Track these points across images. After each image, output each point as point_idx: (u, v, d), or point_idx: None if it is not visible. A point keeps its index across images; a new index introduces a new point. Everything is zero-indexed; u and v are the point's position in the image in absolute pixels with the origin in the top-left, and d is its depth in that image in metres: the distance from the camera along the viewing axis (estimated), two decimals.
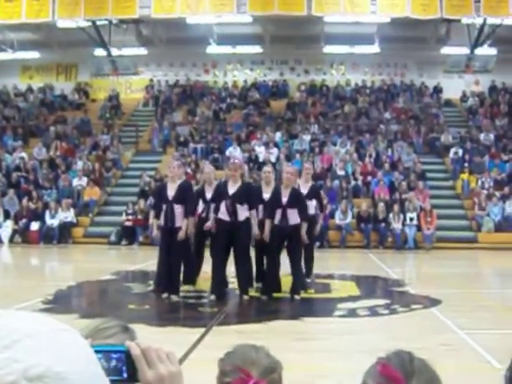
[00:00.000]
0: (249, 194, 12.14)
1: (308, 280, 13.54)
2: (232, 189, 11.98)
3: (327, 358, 7.78)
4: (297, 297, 11.78)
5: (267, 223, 11.90)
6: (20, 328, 0.98)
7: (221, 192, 12.19)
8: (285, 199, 11.89)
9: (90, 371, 1.03)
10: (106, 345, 1.37)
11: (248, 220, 11.92)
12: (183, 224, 11.89)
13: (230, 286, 12.82)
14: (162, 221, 12.08)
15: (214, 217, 12.14)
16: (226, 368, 2.23)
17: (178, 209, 11.92)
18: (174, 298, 11.85)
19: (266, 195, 12.49)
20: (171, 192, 11.99)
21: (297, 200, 12.06)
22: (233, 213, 11.85)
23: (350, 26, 29.66)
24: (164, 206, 12.00)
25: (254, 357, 2.26)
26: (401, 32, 29.69)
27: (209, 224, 12.22)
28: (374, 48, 31.59)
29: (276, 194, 12.12)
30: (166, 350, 1.38)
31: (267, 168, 13.99)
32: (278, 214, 11.89)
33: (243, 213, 11.89)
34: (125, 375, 1.32)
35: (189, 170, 23.55)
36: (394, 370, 1.64)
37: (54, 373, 0.95)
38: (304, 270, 13.29)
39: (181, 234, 11.82)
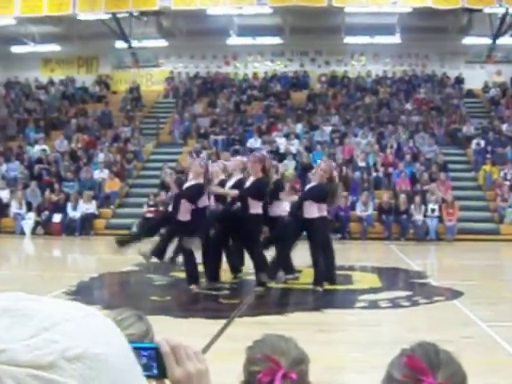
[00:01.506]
0: (259, 189, 12.15)
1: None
2: (248, 183, 12.07)
3: (349, 349, 7.78)
4: (319, 288, 11.79)
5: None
6: (57, 312, 1.01)
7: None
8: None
9: (125, 355, 1.06)
10: (137, 342, 1.38)
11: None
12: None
13: (253, 277, 12.85)
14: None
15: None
16: (255, 356, 2.24)
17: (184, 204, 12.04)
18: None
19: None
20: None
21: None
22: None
23: (371, 16, 29.54)
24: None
25: (284, 347, 2.28)
26: (422, 22, 29.53)
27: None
28: (395, 38, 31.43)
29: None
30: (194, 348, 1.39)
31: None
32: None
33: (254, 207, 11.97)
34: (155, 371, 1.33)
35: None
36: (420, 362, 1.64)
37: (92, 354, 0.97)
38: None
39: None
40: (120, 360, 1.03)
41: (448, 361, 1.70)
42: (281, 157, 24.60)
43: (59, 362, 0.94)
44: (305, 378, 2.27)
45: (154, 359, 1.33)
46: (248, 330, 8.43)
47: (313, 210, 11.88)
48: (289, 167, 23.80)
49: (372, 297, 11.08)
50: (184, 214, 11.90)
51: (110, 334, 1.05)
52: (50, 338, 0.96)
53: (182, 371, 1.33)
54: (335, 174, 12.85)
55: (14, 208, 24.18)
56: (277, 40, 32.50)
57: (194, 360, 1.36)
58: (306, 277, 13.08)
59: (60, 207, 24.06)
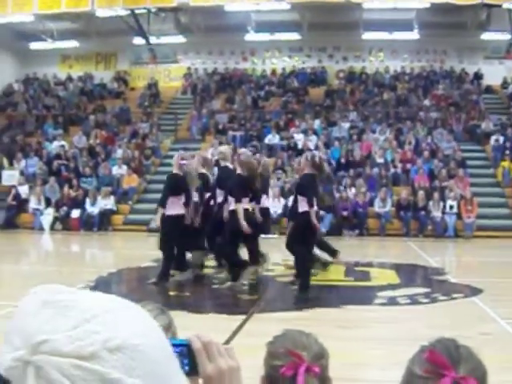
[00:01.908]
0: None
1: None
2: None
3: (368, 346, 7.77)
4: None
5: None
6: (96, 304, 1.04)
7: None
8: None
9: (162, 347, 1.08)
10: (169, 338, 1.39)
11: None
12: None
13: (270, 273, 12.88)
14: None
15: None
16: (277, 351, 2.25)
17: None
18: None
19: None
20: None
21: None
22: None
23: (389, 12, 29.44)
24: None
25: (305, 342, 2.29)
26: (440, 18, 29.40)
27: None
28: (413, 34, 31.32)
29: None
30: (226, 345, 1.39)
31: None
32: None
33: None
34: (186, 368, 1.34)
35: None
36: (442, 357, 1.64)
37: (132, 345, 1.00)
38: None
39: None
40: (158, 351, 1.05)
41: (468, 355, 1.70)
42: (298, 153, 24.55)
43: (101, 353, 0.97)
44: (325, 372, 2.28)
45: (185, 356, 1.34)
46: (267, 326, 8.44)
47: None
48: None
49: (391, 293, 11.06)
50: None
51: (147, 326, 1.08)
52: (91, 329, 0.99)
53: (214, 368, 1.34)
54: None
55: (32, 204, 24.32)
56: (295, 36, 32.47)
57: (225, 356, 1.37)
58: (324, 273, 13.09)
59: (78, 203, 24.17)
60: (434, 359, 1.63)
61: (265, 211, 13.04)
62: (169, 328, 2.61)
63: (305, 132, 27.36)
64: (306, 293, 11.14)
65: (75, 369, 0.96)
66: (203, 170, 13.52)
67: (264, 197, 13.15)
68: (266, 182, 13.67)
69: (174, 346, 1.33)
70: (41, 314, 1.01)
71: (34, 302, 1.04)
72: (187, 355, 1.33)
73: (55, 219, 24.03)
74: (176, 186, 12.40)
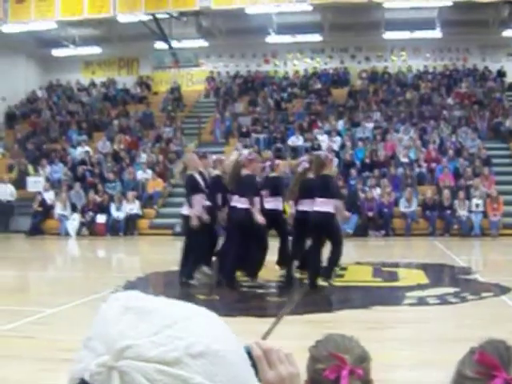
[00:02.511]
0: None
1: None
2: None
3: (399, 346, 7.76)
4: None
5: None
6: (176, 311, 1.06)
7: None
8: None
9: (239, 352, 1.12)
10: None
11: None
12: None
13: (298, 275, 12.89)
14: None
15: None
16: (319, 355, 2.26)
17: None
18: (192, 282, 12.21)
19: None
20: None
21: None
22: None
23: (411, 11, 29.35)
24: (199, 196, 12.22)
25: (348, 345, 2.30)
26: (462, 16, 29.29)
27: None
28: (436, 33, 31.18)
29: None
30: (285, 351, 1.40)
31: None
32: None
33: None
34: None
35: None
36: (492, 358, 1.64)
37: (214, 350, 1.02)
38: None
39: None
40: (237, 357, 1.08)
41: None
42: None
43: (184, 358, 0.99)
44: (368, 375, 2.29)
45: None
46: (297, 328, 8.46)
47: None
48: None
49: (420, 293, 11.02)
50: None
51: (225, 332, 1.10)
52: (173, 335, 1.01)
53: (275, 375, 1.34)
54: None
55: (58, 209, 24.45)
56: (316, 37, 32.43)
57: (285, 363, 1.36)
58: (352, 274, 13.09)
59: (104, 208, 24.29)
60: (484, 360, 1.63)
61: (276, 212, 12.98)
62: None
63: (328, 133, 27.33)
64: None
65: (159, 374, 0.98)
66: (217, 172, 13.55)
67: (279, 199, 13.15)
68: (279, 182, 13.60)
69: None
70: (123, 320, 1.03)
71: (115, 308, 1.06)
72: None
73: (81, 225, 24.15)
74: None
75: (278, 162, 14.72)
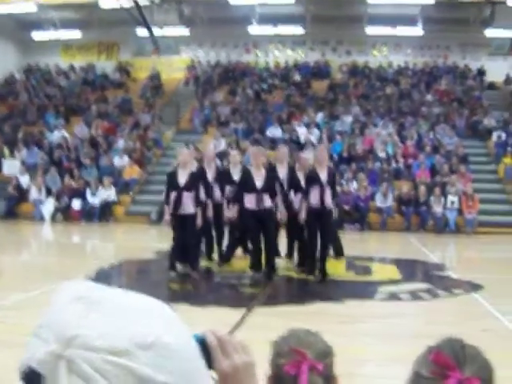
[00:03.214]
0: (273, 184, 12.29)
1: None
2: (258, 179, 12.07)
3: (368, 341, 7.77)
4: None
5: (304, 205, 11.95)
6: (127, 302, 1.06)
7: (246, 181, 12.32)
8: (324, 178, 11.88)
9: (191, 345, 1.11)
10: None
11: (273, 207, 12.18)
12: (197, 211, 12.15)
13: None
14: (171, 208, 12.14)
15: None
16: (281, 350, 2.25)
17: (188, 196, 12.00)
18: (194, 274, 12.08)
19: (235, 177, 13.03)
20: (182, 179, 12.06)
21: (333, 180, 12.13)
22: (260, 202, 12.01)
23: (393, 7, 29.49)
24: (173, 194, 12.07)
25: (310, 340, 2.28)
26: (444, 13, 29.45)
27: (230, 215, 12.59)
28: (417, 29, 31.32)
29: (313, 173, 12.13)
30: (239, 340, 1.39)
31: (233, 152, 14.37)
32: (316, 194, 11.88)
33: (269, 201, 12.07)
34: None
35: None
36: (447, 358, 1.63)
37: (163, 343, 1.02)
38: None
39: (198, 222, 12.15)
40: (188, 350, 1.08)
41: (474, 356, 1.69)
42: (300, 146, 24.53)
43: (133, 349, 0.99)
44: (330, 371, 2.27)
45: (200, 351, 1.32)
46: (268, 320, 8.45)
47: None
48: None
49: (392, 288, 11.05)
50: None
51: (176, 324, 1.09)
52: (123, 326, 1.01)
53: (229, 364, 1.33)
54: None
55: (33, 194, 24.29)
56: (298, 29, 32.45)
57: (240, 352, 1.36)
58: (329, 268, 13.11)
59: (80, 193, 24.14)
60: (439, 360, 1.63)
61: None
62: None
63: (307, 125, 27.33)
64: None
65: (106, 364, 0.97)
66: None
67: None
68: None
69: None
70: (73, 309, 1.03)
71: (66, 297, 1.06)
72: (202, 351, 1.31)
73: (56, 210, 24.00)
74: None
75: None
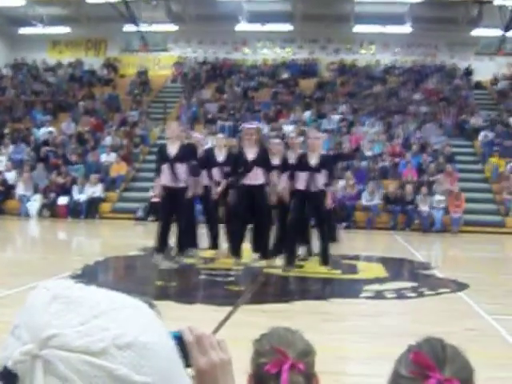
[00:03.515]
0: (266, 159, 12.31)
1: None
2: (250, 154, 12.10)
3: (353, 339, 7.77)
4: (327, 267, 11.88)
5: (289, 186, 12.03)
6: (105, 301, 1.05)
7: (238, 158, 12.35)
8: (314, 163, 11.90)
9: (169, 344, 1.10)
10: None
11: (265, 185, 12.15)
12: (188, 184, 12.29)
13: (257, 264, 12.89)
14: (164, 181, 12.19)
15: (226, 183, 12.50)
16: (262, 349, 2.25)
17: (181, 168, 12.02)
18: (181, 258, 12.13)
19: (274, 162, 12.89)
20: (173, 151, 12.07)
21: (324, 165, 12.11)
22: (253, 177, 12.02)
23: (382, 5, 29.56)
24: (166, 166, 12.08)
25: (290, 339, 2.29)
26: (432, 12, 29.52)
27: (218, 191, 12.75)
28: (405, 28, 31.40)
29: (303, 158, 12.15)
30: (218, 337, 1.38)
31: (275, 140, 14.62)
32: (303, 178, 11.91)
33: (261, 177, 12.08)
34: None
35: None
36: (427, 358, 1.63)
37: (141, 343, 1.01)
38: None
39: (189, 194, 12.30)
40: (165, 350, 1.07)
41: (455, 356, 1.69)
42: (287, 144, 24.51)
43: (110, 349, 0.98)
44: (311, 369, 2.28)
45: (177, 348, 1.32)
46: (253, 317, 8.44)
47: None
48: None
49: (377, 287, 11.06)
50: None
51: (154, 324, 1.09)
52: (100, 325, 1.00)
53: (206, 361, 1.34)
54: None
55: (19, 190, 24.21)
56: (287, 27, 32.46)
57: (217, 349, 1.36)
58: (311, 265, 13.10)
59: (66, 190, 24.09)
60: (419, 360, 1.63)
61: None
62: None
63: (295, 123, 27.34)
64: None
65: (84, 364, 0.97)
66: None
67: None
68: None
69: None
70: (50, 308, 1.02)
71: (42, 296, 1.05)
72: (179, 348, 1.30)
73: (42, 206, 23.93)
74: None
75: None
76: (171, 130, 12.49)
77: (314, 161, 11.91)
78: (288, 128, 26.95)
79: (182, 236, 12.68)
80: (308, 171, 11.87)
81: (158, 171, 12.41)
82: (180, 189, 12.06)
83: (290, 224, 12.31)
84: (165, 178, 12.15)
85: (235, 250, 12.73)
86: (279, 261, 12.71)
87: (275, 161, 12.82)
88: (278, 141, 14.33)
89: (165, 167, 12.10)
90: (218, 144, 14.50)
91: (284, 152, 13.45)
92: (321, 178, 11.93)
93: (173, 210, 12.29)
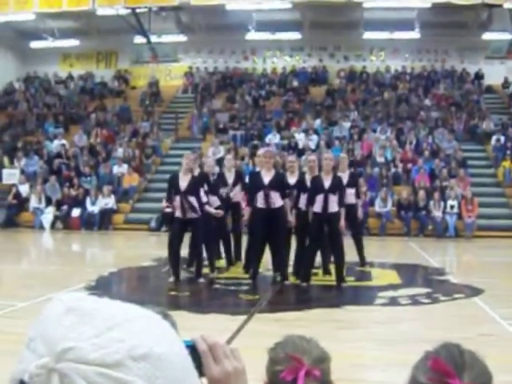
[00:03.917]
0: (282, 183, 12.32)
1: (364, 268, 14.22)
2: (267, 177, 12.10)
3: (369, 347, 7.76)
4: (344, 284, 11.82)
5: (310, 210, 11.96)
6: (119, 313, 1.05)
7: (255, 181, 12.32)
8: (327, 184, 11.87)
9: (183, 355, 1.10)
10: None
11: (283, 207, 12.10)
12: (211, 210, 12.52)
13: (269, 273, 12.87)
14: (176, 213, 12.25)
15: (248, 209, 12.46)
16: (277, 357, 2.25)
17: (191, 200, 12.07)
18: (200, 280, 12.12)
19: (292, 181, 12.87)
20: (183, 184, 12.11)
21: (338, 186, 12.07)
22: (269, 201, 11.99)
23: (390, 11, 29.47)
24: (177, 198, 12.14)
25: (306, 346, 2.29)
26: (441, 17, 29.41)
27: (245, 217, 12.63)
28: (414, 34, 31.30)
29: (318, 180, 12.11)
30: (231, 346, 1.39)
31: (291, 158, 14.28)
32: (319, 200, 11.87)
33: (278, 200, 12.05)
34: None
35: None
36: (446, 364, 1.63)
37: (156, 354, 1.01)
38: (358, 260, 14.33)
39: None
40: (179, 360, 1.07)
41: (473, 361, 1.68)
42: (299, 152, 24.52)
43: (126, 361, 0.98)
44: (327, 376, 2.28)
45: (190, 357, 1.32)
46: (267, 326, 8.44)
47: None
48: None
49: (392, 293, 11.04)
50: None
51: (168, 334, 1.09)
52: (115, 338, 1.00)
53: (220, 370, 1.33)
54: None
55: (33, 202, 24.30)
56: (296, 35, 32.45)
57: (231, 358, 1.36)
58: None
59: (79, 202, 24.16)
60: (438, 367, 1.62)
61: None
62: None
63: (306, 131, 27.32)
64: None
65: (99, 376, 0.97)
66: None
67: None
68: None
69: None
70: (64, 321, 1.02)
71: (57, 309, 1.05)
72: (192, 357, 1.31)
73: (56, 218, 24.00)
74: None
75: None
76: (188, 162, 12.52)
77: (327, 182, 11.92)
78: (299, 136, 26.96)
79: (192, 253, 12.83)
80: (322, 193, 11.88)
81: (168, 200, 12.65)
82: (192, 219, 12.13)
83: (309, 247, 12.29)
84: (177, 210, 12.25)
85: (250, 270, 12.70)
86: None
87: (292, 179, 12.88)
88: (293, 158, 14.34)
89: (177, 199, 12.18)
90: (227, 165, 14.71)
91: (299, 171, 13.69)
92: (334, 200, 11.93)
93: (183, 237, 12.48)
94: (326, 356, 2.32)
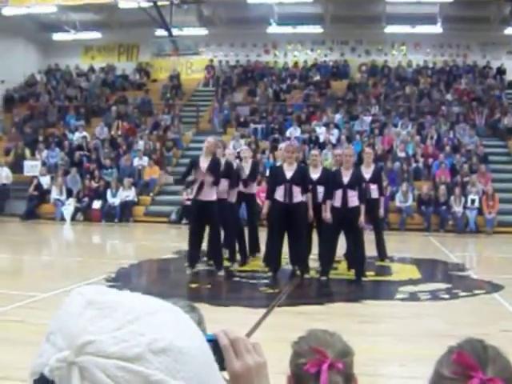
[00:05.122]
0: (304, 177, 12.30)
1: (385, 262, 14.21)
2: (289, 172, 12.09)
3: (389, 341, 7.77)
4: (363, 279, 11.81)
5: (328, 204, 11.93)
6: (139, 306, 1.04)
7: (277, 175, 12.32)
8: (346, 180, 11.86)
9: (204, 348, 1.10)
10: None
11: (303, 202, 12.10)
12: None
13: (289, 267, 12.87)
14: (195, 194, 12.35)
15: (268, 202, 12.40)
16: (301, 350, 2.27)
17: (211, 181, 12.13)
18: (220, 273, 12.13)
19: (315, 176, 12.81)
20: (203, 165, 12.16)
21: (358, 182, 12.06)
22: (290, 196, 11.99)
23: (412, 5, 29.35)
24: (198, 178, 12.23)
25: (329, 340, 2.31)
26: (463, 12, 29.26)
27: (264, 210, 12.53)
28: (437, 28, 31.14)
29: (337, 175, 12.11)
30: (253, 341, 1.39)
31: (315, 152, 14.24)
32: (339, 195, 11.86)
33: (299, 195, 12.05)
34: None
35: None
36: (470, 358, 1.64)
37: (176, 347, 1.01)
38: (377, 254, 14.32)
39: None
40: (201, 353, 1.06)
41: (496, 356, 1.69)
42: (320, 146, 24.49)
43: (146, 355, 0.98)
44: (350, 370, 2.29)
45: (212, 352, 1.33)
46: (288, 319, 8.47)
47: None
48: (328, 157, 23.65)
49: (412, 288, 11.03)
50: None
51: (189, 327, 1.09)
52: (135, 331, 0.99)
53: (241, 364, 1.33)
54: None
55: (54, 194, 24.42)
56: (317, 29, 32.39)
57: (252, 353, 1.36)
58: (345, 267, 13.07)
59: (100, 194, 24.27)
60: (461, 361, 1.63)
61: None
62: (199, 325, 2.63)
63: (326, 125, 27.28)
64: None
65: (120, 370, 0.96)
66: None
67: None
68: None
69: None
70: (85, 314, 1.01)
71: (77, 302, 1.04)
72: (214, 351, 1.31)
73: (76, 210, 24.12)
74: None
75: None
76: (208, 144, 12.55)
77: (346, 178, 11.91)
78: (320, 130, 26.93)
79: (211, 246, 12.77)
80: (341, 188, 11.87)
81: (184, 177, 12.82)
82: (207, 204, 12.14)
83: (327, 240, 12.26)
84: (196, 192, 12.29)
85: (270, 264, 12.70)
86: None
87: (315, 174, 12.85)
88: (316, 152, 14.34)
89: (197, 180, 12.23)
90: (243, 156, 14.80)
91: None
92: (354, 195, 11.91)
93: (204, 222, 12.39)
94: (349, 350, 2.34)
